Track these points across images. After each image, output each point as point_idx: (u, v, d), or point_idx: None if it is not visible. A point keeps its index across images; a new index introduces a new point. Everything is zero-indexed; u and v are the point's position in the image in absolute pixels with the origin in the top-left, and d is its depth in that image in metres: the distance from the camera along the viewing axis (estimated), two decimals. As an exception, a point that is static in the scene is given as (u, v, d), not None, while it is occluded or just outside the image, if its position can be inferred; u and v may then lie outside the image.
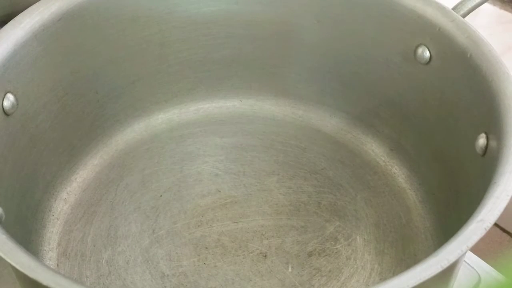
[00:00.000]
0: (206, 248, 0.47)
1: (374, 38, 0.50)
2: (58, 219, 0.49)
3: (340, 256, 0.47)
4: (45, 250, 0.47)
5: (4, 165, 0.42)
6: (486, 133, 0.41)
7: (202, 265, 0.46)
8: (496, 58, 0.42)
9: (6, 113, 0.42)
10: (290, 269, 0.46)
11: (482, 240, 0.32)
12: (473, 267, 0.47)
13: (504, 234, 0.67)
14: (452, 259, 0.31)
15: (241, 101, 0.57)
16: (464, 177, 0.44)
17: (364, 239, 0.48)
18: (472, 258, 0.48)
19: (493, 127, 0.39)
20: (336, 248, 0.47)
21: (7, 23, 0.44)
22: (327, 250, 0.47)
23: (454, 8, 0.47)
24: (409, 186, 0.51)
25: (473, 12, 0.48)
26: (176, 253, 0.47)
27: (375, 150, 0.54)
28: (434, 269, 0.31)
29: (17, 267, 0.31)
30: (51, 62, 0.47)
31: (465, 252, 0.32)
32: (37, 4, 0.46)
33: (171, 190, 0.51)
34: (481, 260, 0.48)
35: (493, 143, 0.39)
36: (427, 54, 0.47)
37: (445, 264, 0.31)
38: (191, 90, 0.56)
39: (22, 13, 0.45)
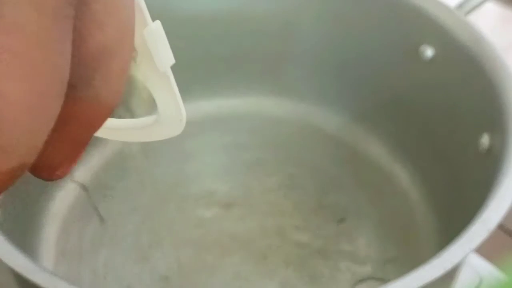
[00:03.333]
0: (206, 248, 0.47)
1: (376, 36, 0.50)
2: (55, 219, 0.48)
3: (342, 257, 0.46)
4: (42, 250, 0.46)
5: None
6: (489, 132, 0.40)
7: (202, 266, 0.46)
8: (499, 56, 0.42)
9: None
10: (291, 270, 0.46)
11: (484, 240, 0.32)
12: (474, 267, 0.47)
13: (505, 235, 0.67)
14: (455, 261, 0.31)
15: (241, 99, 0.57)
16: (467, 177, 0.43)
17: (366, 239, 0.47)
18: (473, 258, 0.48)
19: (496, 126, 0.39)
20: (338, 249, 0.47)
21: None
22: (329, 251, 0.47)
23: (457, 7, 0.47)
24: (412, 185, 0.51)
25: (475, 11, 0.48)
26: (176, 253, 0.46)
27: (378, 149, 0.53)
28: (437, 271, 0.30)
29: (15, 268, 0.31)
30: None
31: (468, 254, 0.32)
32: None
33: (170, 190, 0.51)
34: (483, 260, 0.48)
35: (496, 142, 0.39)
36: (429, 52, 0.47)
37: (448, 266, 0.31)
38: (190, 89, 0.56)
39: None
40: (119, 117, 0.25)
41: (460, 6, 0.47)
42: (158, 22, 0.21)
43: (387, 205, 0.50)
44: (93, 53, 0.16)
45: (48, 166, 0.18)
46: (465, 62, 0.44)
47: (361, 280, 0.45)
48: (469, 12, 0.47)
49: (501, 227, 0.68)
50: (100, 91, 0.17)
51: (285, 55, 0.55)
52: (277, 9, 0.52)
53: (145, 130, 0.25)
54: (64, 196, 0.50)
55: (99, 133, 0.25)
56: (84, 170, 0.51)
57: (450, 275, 0.35)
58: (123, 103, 0.23)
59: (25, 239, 0.45)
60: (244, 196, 0.50)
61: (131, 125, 0.25)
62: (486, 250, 0.41)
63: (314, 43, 0.53)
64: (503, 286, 0.39)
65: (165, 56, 0.21)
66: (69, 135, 0.17)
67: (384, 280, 0.45)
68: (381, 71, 0.51)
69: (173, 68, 0.21)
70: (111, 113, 0.18)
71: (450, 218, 0.46)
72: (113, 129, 0.25)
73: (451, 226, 0.45)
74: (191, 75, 0.55)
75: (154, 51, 0.21)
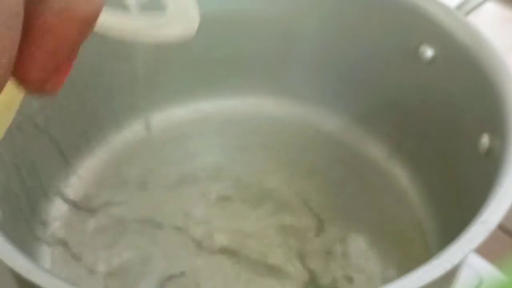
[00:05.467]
0: (206, 248, 0.47)
1: (376, 37, 0.50)
2: (56, 220, 0.48)
3: (341, 258, 0.46)
4: (42, 251, 0.46)
5: (1, 166, 0.42)
6: (489, 133, 0.40)
7: (202, 266, 0.46)
8: (499, 57, 0.42)
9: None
10: (291, 270, 0.46)
11: (484, 240, 0.32)
12: (474, 268, 0.47)
13: (505, 235, 0.67)
14: (455, 262, 0.31)
15: (241, 100, 0.57)
16: (467, 178, 0.43)
17: (366, 240, 0.47)
18: (473, 258, 0.48)
19: (496, 127, 0.39)
20: (337, 250, 0.47)
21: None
22: (328, 251, 0.47)
23: (457, 7, 0.47)
24: (411, 186, 0.51)
25: (475, 11, 0.48)
26: (175, 253, 0.46)
27: (377, 150, 0.53)
28: (437, 271, 0.30)
29: (15, 268, 0.31)
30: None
31: (468, 254, 0.32)
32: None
33: (170, 190, 0.51)
34: (483, 260, 0.48)
35: (496, 143, 0.39)
36: (429, 53, 0.47)
37: (447, 266, 0.31)
38: (191, 90, 0.56)
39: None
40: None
41: (460, 6, 0.47)
42: None
43: (387, 206, 0.50)
44: None
45: (35, 79, 0.17)
46: (465, 62, 0.44)
47: (361, 280, 0.45)
48: (469, 12, 0.47)
49: (501, 227, 0.68)
50: (71, 2, 0.16)
51: (286, 56, 0.55)
52: (277, 10, 0.52)
53: (154, 29, 0.23)
54: (64, 197, 0.50)
55: (103, 31, 0.22)
56: (85, 170, 0.51)
57: (450, 275, 0.35)
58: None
59: (25, 239, 0.45)
60: (244, 196, 0.50)
61: (140, 23, 0.23)
62: (486, 250, 0.41)
63: (314, 44, 0.53)
64: (503, 286, 0.39)
65: None
66: (46, 48, 0.17)
67: (384, 281, 0.45)
68: (381, 72, 0.51)
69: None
70: (89, 26, 0.17)
71: (450, 219, 0.46)
72: (118, 27, 0.23)
73: (451, 227, 0.45)
74: (192, 76, 0.55)
75: None
